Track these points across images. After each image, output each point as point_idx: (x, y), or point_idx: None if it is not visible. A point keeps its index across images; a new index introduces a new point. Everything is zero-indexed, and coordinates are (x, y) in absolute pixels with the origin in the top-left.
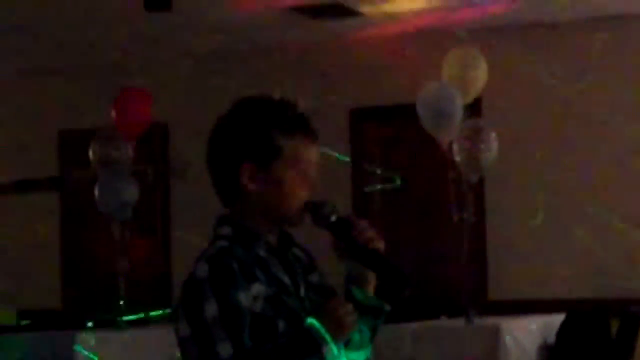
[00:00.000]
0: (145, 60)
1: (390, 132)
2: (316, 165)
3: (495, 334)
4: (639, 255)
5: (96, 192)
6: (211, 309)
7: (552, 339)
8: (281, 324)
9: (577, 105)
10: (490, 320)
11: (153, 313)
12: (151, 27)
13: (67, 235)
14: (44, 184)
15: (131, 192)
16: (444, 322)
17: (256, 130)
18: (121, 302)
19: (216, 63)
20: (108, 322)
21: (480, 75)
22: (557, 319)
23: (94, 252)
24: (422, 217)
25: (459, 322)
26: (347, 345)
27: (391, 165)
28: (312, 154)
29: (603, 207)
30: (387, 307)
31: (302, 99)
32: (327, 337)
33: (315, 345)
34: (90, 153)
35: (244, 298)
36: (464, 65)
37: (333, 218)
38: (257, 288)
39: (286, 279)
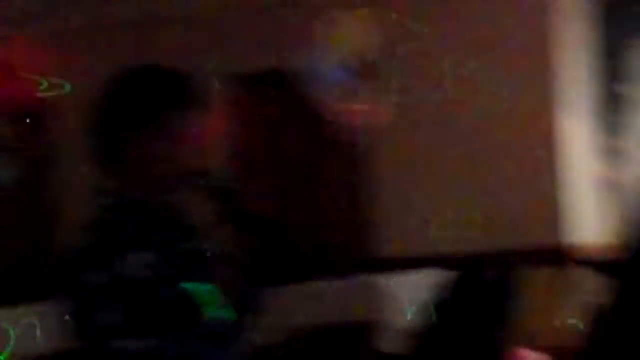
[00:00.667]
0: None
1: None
2: (200, 136)
3: (370, 288)
4: (510, 205)
5: None
6: (95, 276)
7: (431, 295)
8: (163, 290)
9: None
10: (373, 278)
11: None
12: None
13: None
14: None
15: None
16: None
17: (138, 98)
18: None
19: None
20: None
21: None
22: (432, 274)
23: None
24: (308, 173)
25: (343, 282)
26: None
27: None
28: (195, 122)
29: (479, 164)
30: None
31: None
32: (208, 299)
33: (196, 310)
34: None
35: (128, 264)
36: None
37: (216, 185)
38: (141, 254)
39: (169, 245)
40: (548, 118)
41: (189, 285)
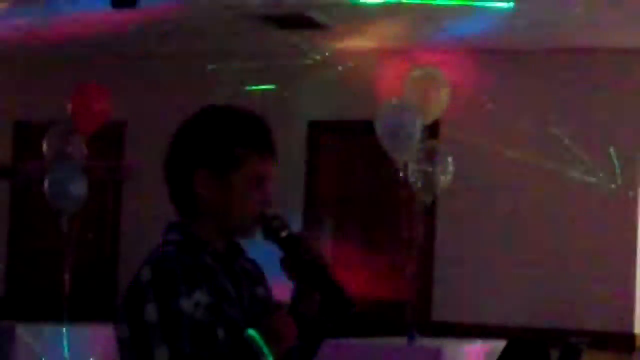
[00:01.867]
0: (108, 56)
1: (347, 147)
2: (271, 181)
3: (436, 356)
4: (583, 287)
5: (46, 185)
6: (152, 312)
7: None
8: (221, 333)
9: (536, 136)
10: (432, 342)
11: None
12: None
13: (15, 225)
14: None
15: (81, 188)
16: (386, 340)
17: (217, 138)
18: (64, 298)
19: (180, 64)
20: (50, 315)
21: (441, 97)
22: (499, 345)
23: (41, 244)
24: (372, 235)
25: (401, 341)
26: None
27: (344, 180)
28: (268, 168)
29: (553, 238)
30: (329, 326)
31: (262, 106)
32: (265, 349)
33: (252, 357)
34: (44, 146)
35: (185, 304)
36: (426, 86)
37: (283, 233)
38: (200, 295)
39: (230, 289)
40: (628, 199)
41: (249, 332)
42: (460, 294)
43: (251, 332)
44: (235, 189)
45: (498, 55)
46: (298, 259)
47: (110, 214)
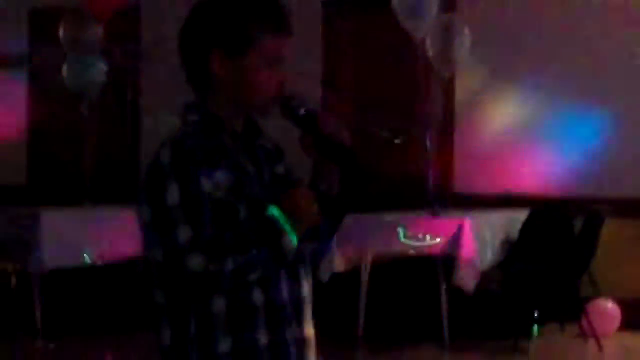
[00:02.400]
0: None
1: (364, 26)
2: (286, 59)
3: (459, 227)
4: (606, 156)
5: (64, 71)
6: (173, 193)
7: (515, 234)
8: (243, 211)
9: (553, 5)
10: (455, 213)
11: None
12: None
13: (34, 113)
14: (12, 60)
15: (99, 72)
16: (409, 213)
17: (231, 17)
18: (86, 182)
19: None
20: (73, 200)
21: None
22: (522, 214)
23: (61, 131)
24: (390, 112)
25: (424, 214)
26: (309, 237)
27: (362, 59)
28: (284, 48)
29: (575, 105)
30: (350, 200)
31: None
32: (287, 226)
33: (275, 234)
34: (60, 32)
35: (206, 184)
36: None
37: (301, 111)
38: (220, 174)
39: (250, 167)
40: None
41: (271, 209)
42: (481, 166)
43: (273, 209)
44: (251, 68)
45: None
46: (317, 135)
47: (130, 98)
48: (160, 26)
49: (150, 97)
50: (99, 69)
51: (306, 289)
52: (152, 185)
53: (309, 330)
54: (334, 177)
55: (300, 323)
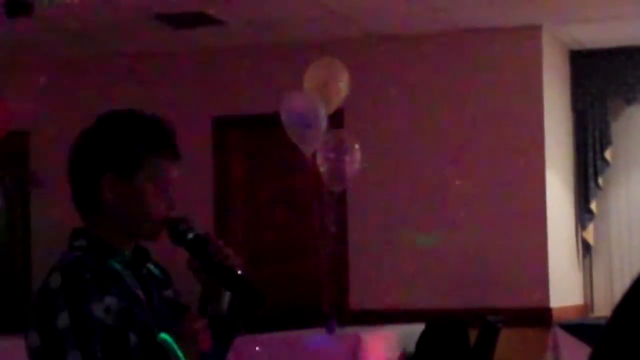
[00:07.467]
0: (3, 66)
1: (254, 142)
2: (175, 184)
3: (356, 343)
4: (496, 266)
5: None
6: (63, 319)
7: (411, 348)
8: (133, 338)
9: (440, 118)
10: (351, 330)
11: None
12: (11, 32)
13: None
14: None
15: None
16: (305, 332)
17: (120, 142)
18: None
19: (78, 70)
20: None
21: (342, 86)
22: (418, 328)
23: None
24: (285, 227)
25: (320, 332)
26: None
27: (256, 175)
28: (172, 171)
29: (462, 219)
30: (241, 325)
31: (165, 107)
32: (179, 352)
33: None
34: None
35: (96, 309)
36: (325, 76)
37: (190, 235)
38: (110, 300)
39: (140, 293)
40: (535, 181)
41: (162, 336)
42: (376, 281)
43: (164, 336)
44: (141, 191)
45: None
46: (206, 260)
47: (20, 223)
48: (49, 151)
49: (41, 224)
50: None
51: None
52: (42, 311)
53: None
54: (223, 300)
55: None
